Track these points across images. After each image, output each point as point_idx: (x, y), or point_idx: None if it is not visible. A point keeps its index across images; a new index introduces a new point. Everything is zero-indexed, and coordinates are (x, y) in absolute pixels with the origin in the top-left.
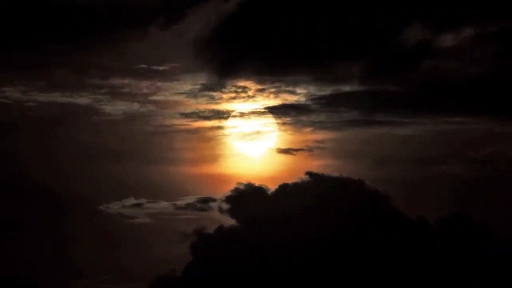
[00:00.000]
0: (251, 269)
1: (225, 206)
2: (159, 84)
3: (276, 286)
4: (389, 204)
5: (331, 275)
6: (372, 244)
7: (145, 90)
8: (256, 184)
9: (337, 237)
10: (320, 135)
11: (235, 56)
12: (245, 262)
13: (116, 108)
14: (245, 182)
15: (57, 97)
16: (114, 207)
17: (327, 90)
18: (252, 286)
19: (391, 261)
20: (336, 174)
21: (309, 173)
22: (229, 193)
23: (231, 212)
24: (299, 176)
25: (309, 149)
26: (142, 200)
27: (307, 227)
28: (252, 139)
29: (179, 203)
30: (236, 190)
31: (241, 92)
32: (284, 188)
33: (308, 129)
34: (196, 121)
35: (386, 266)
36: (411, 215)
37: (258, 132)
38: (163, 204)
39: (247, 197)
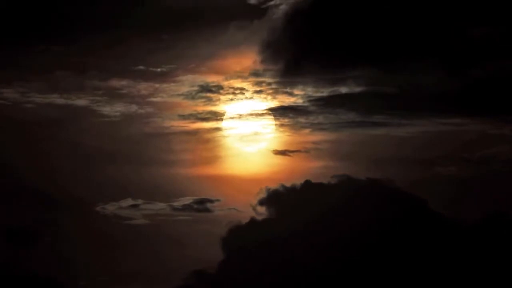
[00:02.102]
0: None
1: (259, 208)
2: (157, 85)
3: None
4: (426, 206)
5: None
6: (409, 246)
7: (143, 92)
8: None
9: (371, 237)
10: (318, 136)
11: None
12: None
13: (114, 109)
14: (275, 185)
15: (55, 99)
16: (110, 208)
17: (324, 92)
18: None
19: (426, 262)
20: (362, 177)
21: (335, 176)
22: (261, 196)
23: (268, 214)
24: (296, 177)
25: (306, 151)
26: (139, 201)
27: (340, 228)
28: (250, 141)
29: (175, 204)
30: (267, 191)
31: (238, 93)
32: (312, 189)
33: (307, 131)
34: (194, 122)
35: (423, 267)
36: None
37: (256, 134)
38: (160, 205)
39: (279, 198)
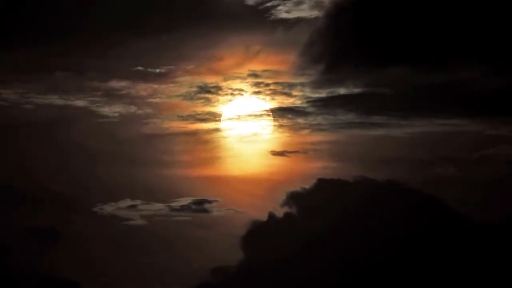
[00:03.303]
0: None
1: (280, 210)
2: (156, 86)
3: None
4: (446, 205)
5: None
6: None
7: (142, 93)
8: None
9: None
10: (317, 137)
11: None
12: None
13: (113, 110)
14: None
15: (54, 99)
16: (109, 208)
17: (322, 93)
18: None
19: (452, 262)
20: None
21: (356, 177)
22: (283, 199)
23: (291, 215)
24: (296, 178)
25: (305, 151)
26: (138, 202)
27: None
28: (249, 141)
29: (174, 204)
30: (286, 194)
31: (237, 94)
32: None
33: (305, 131)
34: (193, 123)
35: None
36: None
37: (255, 134)
38: (158, 206)
39: (300, 200)
